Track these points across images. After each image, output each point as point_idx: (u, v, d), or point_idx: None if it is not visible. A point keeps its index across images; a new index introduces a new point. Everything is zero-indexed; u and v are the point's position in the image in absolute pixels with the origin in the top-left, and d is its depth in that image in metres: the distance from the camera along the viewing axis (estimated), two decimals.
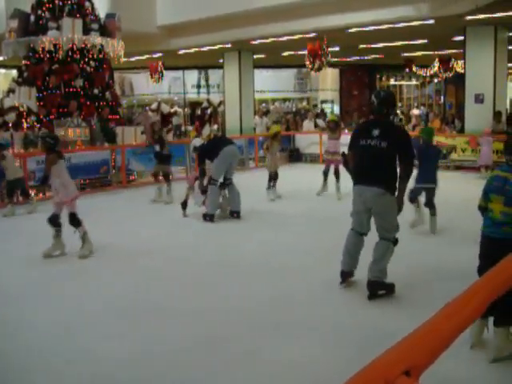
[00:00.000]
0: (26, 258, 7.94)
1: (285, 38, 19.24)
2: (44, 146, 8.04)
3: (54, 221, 7.80)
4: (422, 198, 8.76)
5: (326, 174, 12.28)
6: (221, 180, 10.05)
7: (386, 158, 5.80)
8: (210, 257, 7.80)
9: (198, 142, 12.15)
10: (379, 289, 5.93)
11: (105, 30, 15.72)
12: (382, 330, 5.02)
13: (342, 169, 10.30)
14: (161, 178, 12.36)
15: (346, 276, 6.21)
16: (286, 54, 24.12)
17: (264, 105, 25.38)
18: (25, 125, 13.95)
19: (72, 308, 5.91)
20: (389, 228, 5.94)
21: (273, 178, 12.12)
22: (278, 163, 12.34)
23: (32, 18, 15.20)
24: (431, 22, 15.91)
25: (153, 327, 5.35)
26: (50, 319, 5.59)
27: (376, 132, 5.82)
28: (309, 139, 18.94)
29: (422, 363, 1.71)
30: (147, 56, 23.89)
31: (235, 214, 10.12)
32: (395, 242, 5.99)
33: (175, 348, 4.86)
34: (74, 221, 7.81)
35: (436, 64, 24.13)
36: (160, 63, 23.32)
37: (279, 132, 12.39)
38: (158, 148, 12.18)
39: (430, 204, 8.66)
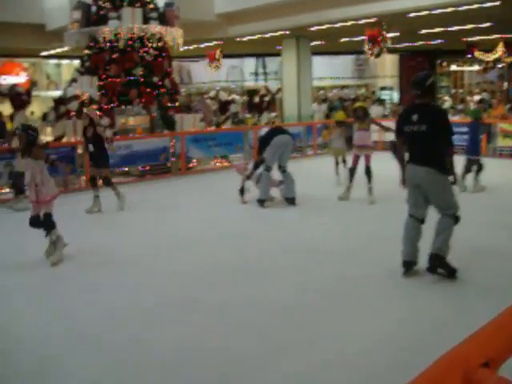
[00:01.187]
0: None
1: (343, 24, 18.97)
2: (25, 140, 6.96)
3: (36, 222, 7.12)
4: None
5: (352, 172, 10.34)
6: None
7: (430, 139, 5.88)
8: (273, 243, 7.77)
9: (263, 131, 11.93)
10: (440, 265, 5.91)
11: (164, 19, 15.82)
12: (451, 319, 4.91)
13: (375, 166, 10.27)
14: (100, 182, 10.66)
15: (409, 266, 6.09)
16: (343, 40, 23.80)
17: (322, 92, 25.10)
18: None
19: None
20: (445, 207, 5.94)
21: (338, 163, 12.10)
22: (341, 150, 12.10)
23: (93, 8, 15.45)
24: (497, 3, 15.37)
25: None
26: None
27: (415, 117, 5.95)
28: None
29: (501, 354, 1.64)
30: (205, 44, 23.99)
31: (290, 201, 10.16)
32: (456, 219, 5.95)
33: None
34: (48, 222, 7.07)
35: (500, 48, 23.37)
36: (218, 51, 23.38)
37: (343, 120, 12.20)
38: (91, 148, 10.22)
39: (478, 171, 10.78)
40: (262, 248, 7.54)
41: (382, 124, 11.23)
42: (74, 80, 15.46)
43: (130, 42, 15.06)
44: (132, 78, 14.97)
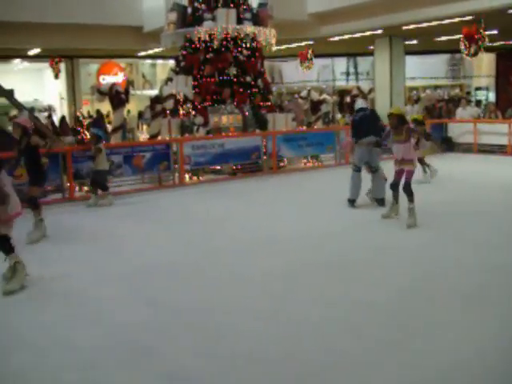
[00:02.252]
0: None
1: (439, 22, 18.53)
2: None
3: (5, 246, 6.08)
4: None
5: (394, 188, 8.91)
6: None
7: None
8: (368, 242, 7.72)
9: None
10: None
11: (257, 19, 15.99)
12: None
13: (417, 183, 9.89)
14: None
15: None
16: (439, 39, 23.24)
17: (415, 92, 24.64)
18: (181, 111, 14.57)
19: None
20: None
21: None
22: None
23: (189, 10, 15.82)
24: None
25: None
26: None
27: None
28: (462, 128, 18.11)
29: None
30: (296, 44, 24.06)
31: (379, 201, 10.01)
32: None
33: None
34: (5, 245, 6.07)
35: None
36: (310, 51, 23.40)
37: (421, 120, 11.85)
38: (23, 161, 8.69)
39: None
40: (351, 247, 7.50)
41: (419, 134, 9.59)
42: (169, 79, 15.87)
43: (224, 43, 15.32)
44: (225, 77, 15.22)
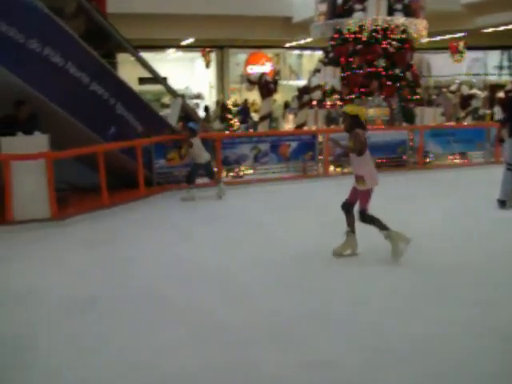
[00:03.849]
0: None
1: None
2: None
3: None
4: None
5: (345, 210, 7.02)
6: None
7: None
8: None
9: None
10: None
11: (409, 10, 15.66)
12: None
13: None
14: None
15: None
16: None
17: None
18: (328, 103, 14.65)
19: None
20: None
21: None
22: None
23: (339, 1, 15.80)
24: None
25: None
26: None
27: None
28: None
29: None
30: (449, 36, 23.29)
31: (500, 204, 9.48)
32: None
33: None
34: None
35: None
36: (462, 43, 22.57)
37: None
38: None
39: None
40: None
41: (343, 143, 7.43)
42: (317, 70, 15.98)
43: (373, 34, 15.17)
44: (373, 69, 15.08)
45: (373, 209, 6.72)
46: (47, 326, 5.07)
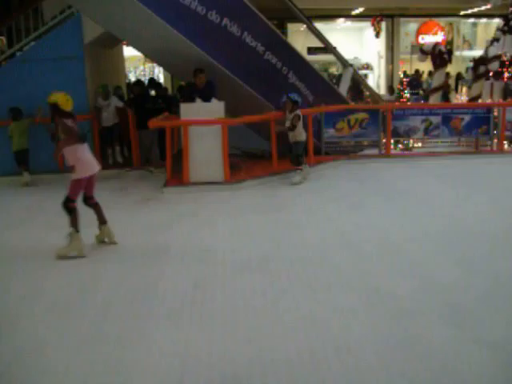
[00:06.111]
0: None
1: None
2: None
3: None
4: None
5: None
6: None
7: None
8: None
9: None
10: None
11: None
12: None
13: None
14: None
15: None
16: None
17: None
18: (506, 74, 13.84)
19: None
20: None
21: None
22: None
23: None
24: None
25: None
26: None
27: None
28: None
29: None
30: None
31: None
32: None
33: None
34: None
35: None
36: None
37: None
38: None
39: None
40: None
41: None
42: (495, 39, 15.12)
43: None
44: None
45: None
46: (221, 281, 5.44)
